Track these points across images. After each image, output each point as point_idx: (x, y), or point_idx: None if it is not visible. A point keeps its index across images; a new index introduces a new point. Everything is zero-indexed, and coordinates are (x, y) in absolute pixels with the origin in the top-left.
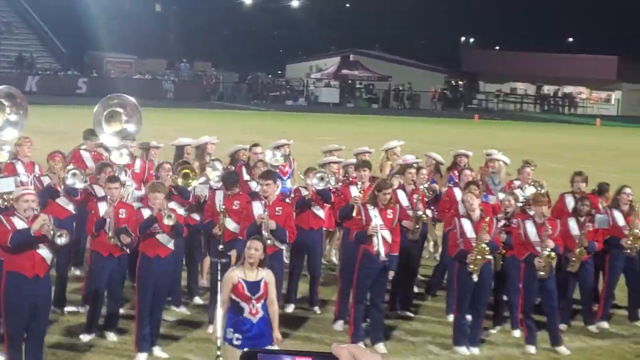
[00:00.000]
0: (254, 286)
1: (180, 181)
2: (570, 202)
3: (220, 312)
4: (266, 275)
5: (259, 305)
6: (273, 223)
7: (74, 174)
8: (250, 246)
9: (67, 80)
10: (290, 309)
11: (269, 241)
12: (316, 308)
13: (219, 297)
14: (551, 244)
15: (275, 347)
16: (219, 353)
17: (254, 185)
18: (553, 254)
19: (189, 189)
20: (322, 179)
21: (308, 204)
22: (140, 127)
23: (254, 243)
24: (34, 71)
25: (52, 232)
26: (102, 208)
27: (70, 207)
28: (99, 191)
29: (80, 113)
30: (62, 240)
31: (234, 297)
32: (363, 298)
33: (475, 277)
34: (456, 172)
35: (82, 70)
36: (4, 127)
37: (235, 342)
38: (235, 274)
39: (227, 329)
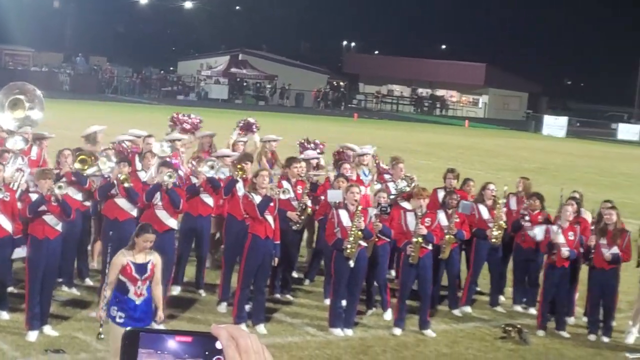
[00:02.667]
0: (141, 268)
1: (77, 166)
2: (442, 196)
3: (106, 293)
4: (154, 258)
5: (144, 287)
6: None
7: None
8: (147, 239)
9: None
10: (176, 291)
11: None
12: (201, 291)
13: (106, 278)
14: (423, 231)
15: (160, 327)
16: (101, 330)
17: (143, 175)
18: (421, 239)
19: (86, 174)
20: (212, 167)
21: (197, 191)
22: (43, 113)
23: (150, 236)
24: None
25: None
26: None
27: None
28: None
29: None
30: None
31: (121, 277)
32: (249, 283)
33: (352, 263)
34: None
35: None
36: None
37: (118, 320)
38: (125, 257)
39: (111, 307)
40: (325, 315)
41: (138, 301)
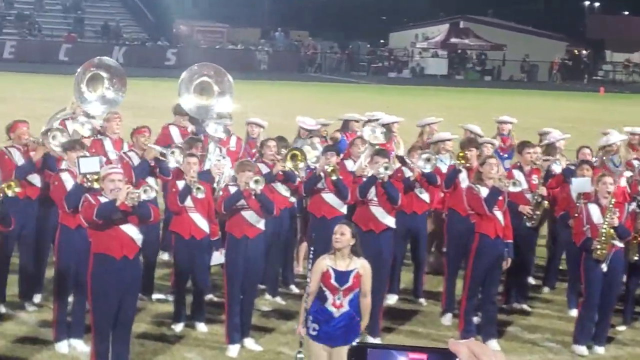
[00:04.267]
0: (342, 276)
1: (289, 165)
2: None
3: (306, 304)
4: (360, 267)
5: (345, 299)
6: None
7: (173, 153)
8: (337, 231)
9: (155, 51)
10: (393, 300)
11: None
12: (422, 300)
13: (307, 287)
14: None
15: (370, 340)
16: (300, 349)
17: (351, 166)
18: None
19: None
20: (428, 160)
21: (412, 185)
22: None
23: (340, 228)
24: (120, 42)
25: (137, 200)
26: (181, 186)
27: (156, 185)
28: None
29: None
30: (148, 195)
31: (321, 285)
32: (477, 290)
33: (604, 267)
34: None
35: (171, 41)
36: (95, 102)
37: (311, 332)
38: (325, 262)
39: (309, 316)
40: (570, 329)
41: (336, 314)
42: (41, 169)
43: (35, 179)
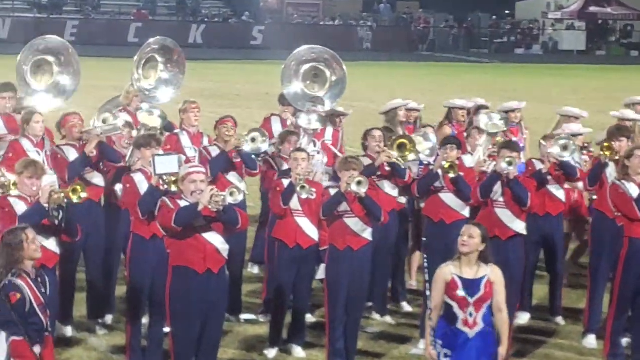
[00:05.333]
0: (472, 285)
1: (395, 154)
2: None
3: (431, 322)
4: (491, 273)
5: (478, 314)
6: None
7: (254, 139)
8: (464, 232)
9: (239, 29)
10: (524, 319)
11: None
12: (559, 318)
13: (429, 302)
14: None
15: None
16: None
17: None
18: None
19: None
20: (565, 147)
21: (545, 180)
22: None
23: (469, 229)
24: (198, 19)
25: (222, 204)
26: (286, 184)
27: (244, 186)
28: (283, 165)
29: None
30: (235, 198)
31: (447, 299)
32: (627, 306)
33: None
34: None
35: (257, 16)
36: (158, 87)
37: (443, 359)
38: (449, 269)
39: (436, 339)
40: None
41: (471, 334)
42: (97, 162)
43: (96, 177)
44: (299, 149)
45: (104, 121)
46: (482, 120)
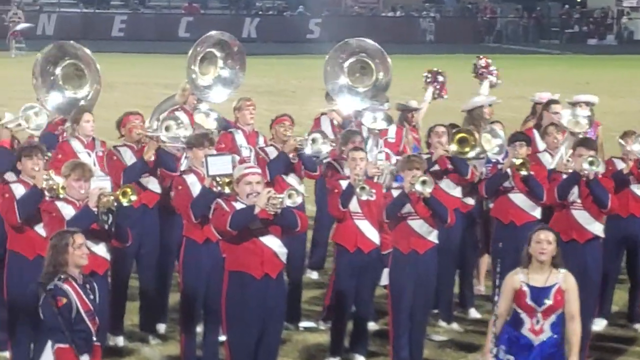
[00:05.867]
0: (540, 293)
1: (454, 149)
2: None
3: (495, 328)
4: (562, 280)
5: (546, 322)
6: None
7: (314, 140)
8: (542, 239)
9: (294, 23)
10: (600, 326)
11: None
12: (638, 326)
13: (495, 307)
14: None
15: None
16: None
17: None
18: None
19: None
20: None
21: (626, 180)
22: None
23: (547, 235)
24: (252, 12)
25: (279, 206)
26: (344, 185)
27: (303, 188)
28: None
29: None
30: (293, 201)
31: (515, 306)
32: None
33: None
34: None
35: (313, 9)
36: (214, 86)
37: None
38: (518, 277)
39: (499, 345)
40: None
41: (536, 341)
42: (154, 168)
43: (152, 183)
44: (357, 148)
45: (167, 129)
46: (565, 117)
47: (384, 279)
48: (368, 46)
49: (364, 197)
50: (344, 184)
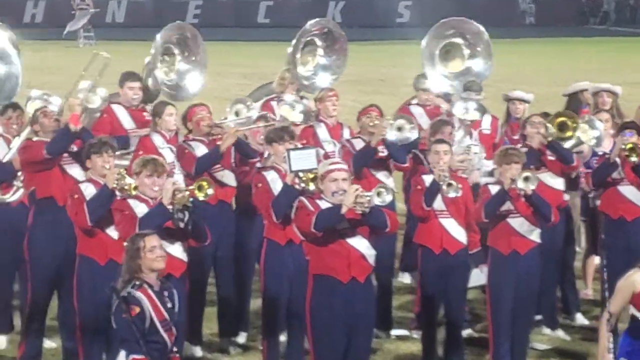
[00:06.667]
0: None
1: (553, 133)
2: None
3: (606, 332)
4: None
5: None
6: None
7: (400, 128)
8: None
9: (382, 5)
10: None
11: None
12: None
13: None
14: None
15: None
16: None
17: None
18: None
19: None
20: None
21: None
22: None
23: None
24: None
25: (368, 205)
26: (428, 181)
27: (391, 181)
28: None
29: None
30: (383, 199)
31: (633, 310)
32: None
33: None
34: None
35: None
36: (317, 73)
37: None
38: (636, 278)
39: (619, 358)
40: None
41: None
42: (229, 159)
43: (227, 176)
44: (440, 140)
45: (237, 113)
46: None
47: (473, 281)
48: (470, 28)
49: (452, 195)
50: (427, 179)
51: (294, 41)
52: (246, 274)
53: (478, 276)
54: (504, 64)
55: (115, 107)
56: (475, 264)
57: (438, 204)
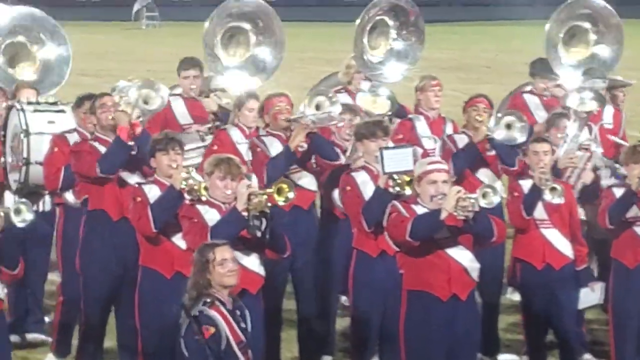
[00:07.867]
0: None
1: None
2: None
3: None
4: None
5: None
6: None
7: (509, 125)
8: None
9: None
10: None
11: None
12: None
13: None
14: None
15: None
16: None
17: None
18: None
19: None
20: None
21: None
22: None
23: None
24: None
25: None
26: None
27: (499, 184)
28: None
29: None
30: (489, 201)
31: None
32: None
33: None
34: None
35: None
36: (386, 61)
37: None
38: None
39: None
40: None
41: None
42: (302, 159)
43: (306, 178)
44: (539, 139)
45: (317, 107)
46: None
47: (583, 302)
48: (594, 7)
49: (556, 201)
50: (525, 184)
51: (357, 20)
52: (329, 289)
53: (589, 296)
54: (629, 46)
55: (172, 99)
56: (584, 283)
57: (539, 212)
